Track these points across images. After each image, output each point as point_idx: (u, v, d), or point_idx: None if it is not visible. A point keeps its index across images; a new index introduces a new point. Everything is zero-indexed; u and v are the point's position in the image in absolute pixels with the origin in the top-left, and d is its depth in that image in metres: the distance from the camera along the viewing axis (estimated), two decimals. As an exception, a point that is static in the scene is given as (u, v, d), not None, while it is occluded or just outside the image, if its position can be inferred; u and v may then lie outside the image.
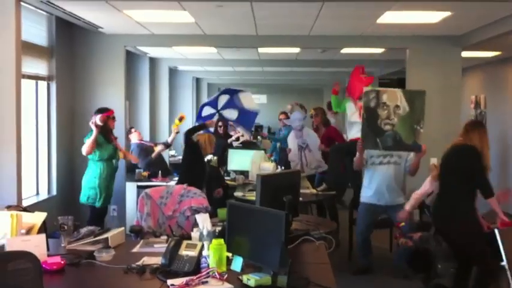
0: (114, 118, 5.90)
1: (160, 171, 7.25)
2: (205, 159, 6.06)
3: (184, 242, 2.91)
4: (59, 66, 6.53)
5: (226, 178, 6.98)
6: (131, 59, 8.99)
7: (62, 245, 3.32)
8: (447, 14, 5.75)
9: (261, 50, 9.06)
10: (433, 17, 5.96)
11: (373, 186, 5.45)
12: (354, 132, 6.03)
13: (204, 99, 9.01)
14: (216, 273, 2.64)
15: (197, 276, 2.63)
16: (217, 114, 8.44)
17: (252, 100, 8.67)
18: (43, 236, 3.02)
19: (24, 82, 5.29)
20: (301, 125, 7.19)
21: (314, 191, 6.21)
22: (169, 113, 10.49)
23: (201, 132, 6.19)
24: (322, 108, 8.22)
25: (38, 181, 6.33)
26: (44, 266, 2.69)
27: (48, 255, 2.94)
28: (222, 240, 2.82)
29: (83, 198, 5.77)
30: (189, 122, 9.74)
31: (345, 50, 8.86)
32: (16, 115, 4.70)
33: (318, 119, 7.53)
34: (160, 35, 7.38)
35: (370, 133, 5.24)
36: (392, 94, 5.25)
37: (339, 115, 9.09)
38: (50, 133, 6.45)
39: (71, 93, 6.91)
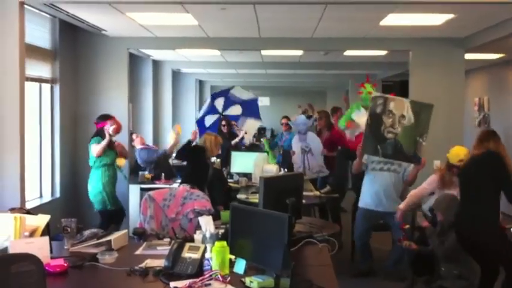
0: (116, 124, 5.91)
1: (163, 174, 7.25)
2: (210, 161, 6.08)
3: (187, 245, 2.91)
4: (63, 68, 6.55)
5: (229, 180, 6.98)
6: (134, 61, 9.01)
7: (65, 247, 3.33)
8: (450, 16, 5.74)
9: (264, 52, 9.06)
10: (436, 19, 5.96)
11: (371, 192, 5.43)
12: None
13: (206, 103, 8.99)
14: (219, 276, 2.64)
15: (200, 278, 2.62)
16: (218, 115, 8.46)
17: (244, 91, 8.69)
18: (46, 238, 3.03)
19: (28, 85, 5.31)
20: (305, 129, 7.22)
21: (317, 193, 6.21)
22: (172, 115, 10.52)
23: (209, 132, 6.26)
24: (327, 111, 8.21)
25: (42, 183, 6.35)
26: (47, 268, 2.69)
27: (52, 258, 2.95)
28: (225, 243, 2.82)
29: (96, 205, 5.81)
30: (192, 128, 9.75)
31: (348, 53, 8.86)
32: (20, 117, 4.71)
33: (321, 122, 7.51)
34: (164, 38, 7.40)
35: (372, 139, 5.23)
36: (400, 103, 5.23)
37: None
38: (53, 135, 6.46)
39: (74, 96, 6.93)
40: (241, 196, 6.07)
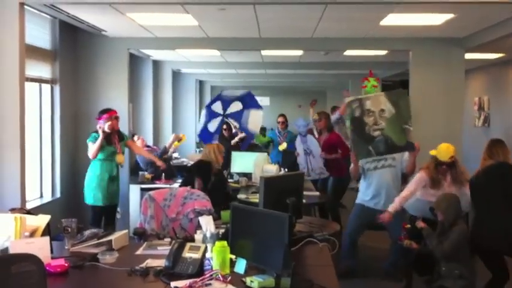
0: (117, 118, 5.90)
1: (164, 174, 7.26)
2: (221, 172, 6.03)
3: (188, 244, 2.91)
4: (63, 69, 6.55)
5: (229, 180, 6.99)
6: (134, 61, 9.01)
7: (66, 247, 3.33)
8: (450, 16, 5.75)
9: (264, 52, 9.06)
10: (436, 19, 5.96)
11: (370, 191, 5.39)
12: None
13: (207, 101, 8.98)
14: (220, 276, 2.64)
15: (201, 278, 2.63)
16: (225, 118, 8.45)
17: (258, 123, 8.63)
18: (47, 238, 3.03)
19: (28, 85, 5.31)
20: (305, 131, 7.24)
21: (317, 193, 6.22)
22: (172, 116, 10.53)
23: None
24: (327, 112, 8.21)
25: (42, 184, 6.35)
26: (47, 268, 2.69)
27: (52, 258, 2.95)
28: (225, 243, 2.82)
29: (87, 199, 5.82)
30: (192, 128, 9.77)
31: (348, 52, 8.87)
32: (20, 118, 4.72)
33: (321, 123, 7.46)
34: (164, 38, 7.40)
35: (361, 142, 5.20)
36: (375, 99, 5.23)
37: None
38: (53, 136, 6.47)
39: (74, 96, 6.93)
40: (241, 196, 6.07)
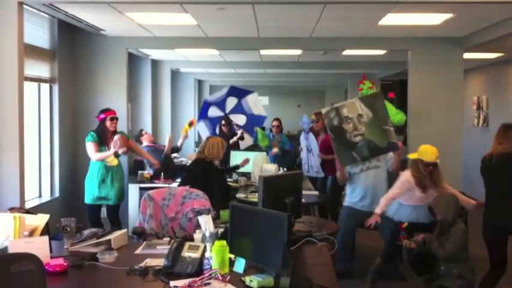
0: (113, 119, 5.90)
1: (163, 173, 7.24)
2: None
3: (187, 244, 2.91)
4: (61, 68, 6.55)
5: (228, 180, 6.98)
6: (133, 61, 9.01)
7: (65, 246, 3.33)
8: (449, 15, 5.75)
9: (263, 52, 9.07)
10: (435, 18, 5.96)
11: (356, 194, 5.37)
12: None
13: (221, 93, 8.90)
14: (219, 275, 2.64)
15: (200, 277, 2.63)
16: (224, 116, 8.45)
17: (259, 104, 8.63)
18: (46, 238, 3.03)
19: (27, 84, 5.31)
20: (307, 128, 7.25)
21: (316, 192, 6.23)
22: (171, 115, 10.52)
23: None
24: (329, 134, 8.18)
25: (41, 183, 6.35)
26: (47, 268, 2.69)
27: (51, 257, 2.95)
28: (224, 242, 2.82)
29: (86, 199, 5.88)
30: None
31: (347, 52, 8.87)
32: (19, 117, 4.71)
33: (318, 124, 7.35)
34: (163, 37, 7.40)
35: (344, 150, 5.21)
36: (351, 106, 5.26)
37: None
38: (52, 135, 6.46)
39: (73, 96, 6.93)
40: (240, 195, 6.07)
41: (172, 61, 10.56)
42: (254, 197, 5.63)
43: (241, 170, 7.04)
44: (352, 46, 7.84)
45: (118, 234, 3.40)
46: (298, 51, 8.96)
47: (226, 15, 5.80)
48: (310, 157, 7.17)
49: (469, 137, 9.84)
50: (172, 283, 2.62)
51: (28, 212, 3.39)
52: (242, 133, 8.29)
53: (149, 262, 2.99)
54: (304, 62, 10.93)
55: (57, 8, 5.41)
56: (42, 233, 3.12)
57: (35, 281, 2.22)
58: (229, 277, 2.66)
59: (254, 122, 8.63)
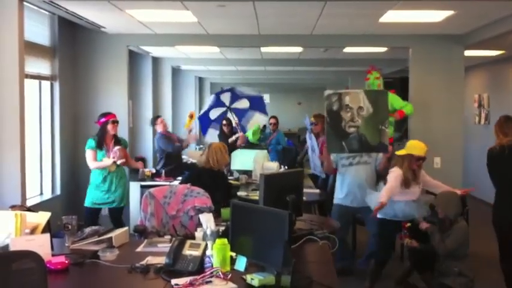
0: (114, 122, 5.86)
1: (164, 171, 7.25)
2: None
3: (188, 242, 2.92)
4: (62, 66, 6.55)
5: (229, 178, 6.98)
6: (134, 58, 9.00)
7: (66, 244, 3.33)
8: (450, 12, 5.74)
9: (263, 49, 9.05)
10: (436, 16, 5.95)
11: (345, 188, 5.35)
12: None
13: (207, 98, 8.99)
14: (220, 273, 2.65)
15: (201, 275, 2.63)
16: (228, 110, 8.44)
17: (251, 89, 8.67)
18: (47, 235, 3.03)
19: (27, 82, 5.30)
20: (310, 129, 7.25)
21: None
22: (172, 113, 10.51)
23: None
24: (323, 115, 8.18)
25: (42, 181, 6.35)
26: (48, 265, 2.69)
27: (53, 255, 2.95)
28: (225, 240, 2.82)
29: (87, 202, 5.87)
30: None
31: (348, 49, 8.86)
32: (20, 115, 4.71)
33: (317, 127, 7.14)
34: (163, 35, 7.39)
35: (335, 136, 5.16)
36: (355, 96, 5.20)
37: None
38: (53, 133, 6.46)
39: (74, 93, 6.93)
40: (241, 193, 6.07)
41: (173, 58, 10.55)
42: (255, 195, 5.63)
43: (242, 168, 7.04)
44: (353, 43, 7.83)
45: (119, 232, 3.40)
46: (298, 49, 8.95)
47: (227, 12, 5.79)
48: (314, 157, 7.18)
49: (470, 135, 9.83)
50: (173, 281, 2.62)
51: (29, 209, 3.39)
52: (242, 136, 8.29)
53: (150, 260, 2.99)
54: (304, 60, 10.91)
55: (58, 5, 5.40)
56: (44, 231, 3.13)
57: (36, 278, 2.23)
58: (230, 275, 2.66)
59: (256, 102, 8.64)
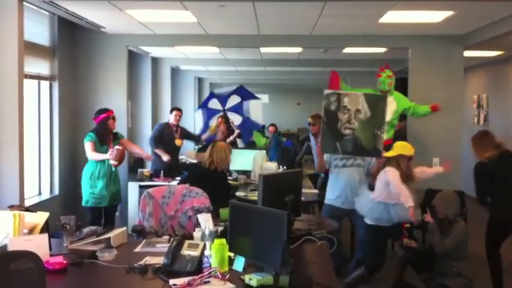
0: (114, 118, 5.90)
1: (162, 171, 7.24)
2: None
3: (187, 242, 2.91)
4: (61, 66, 6.54)
5: (228, 178, 6.98)
6: (133, 58, 9.00)
7: (64, 244, 3.33)
8: (450, 13, 5.74)
9: (263, 49, 9.06)
10: (435, 16, 5.95)
11: (337, 189, 5.30)
12: None
13: (229, 89, 8.92)
14: (218, 273, 2.64)
15: (199, 276, 2.62)
16: (222, 113, 8.45)
17: (260, 112, 8.64)
18: (45, 235, 3.02)
19: (27, 82, 5.30)
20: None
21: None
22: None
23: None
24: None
25: (40, 181, 6.35)
26: (46, 265, 2.69)
27: (51, 255, 2.95)
28: (224, 240, 2.82)
29: (83, 201, 5.81)
30: (191, 125, 9.76)
31: (347, 50, 8.86)
32: (19, 115, 4.71)
33: (315, 127, 7.11)
34: (163, 35, 7.39)
35: (330, 137, 5.13)
36: (354, 98, 5.16)
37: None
38: (52, 133, 6.46)
39: (73, 93, 6.93)
40: (240, 193, 6.06)
41: (172, 59, 10.55)
42: (254, 195, 5.63)
43: (241, 168, 7.03)
44: (352, 44, 7.84)
45: (117, 232, 3.40)
46: (298, 49, 8.96)
47: (227, 12, 5.79)
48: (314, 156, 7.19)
49: (469, 135, 9.78)
50: (171, 281, 2.62)
51: (28, 209, 3.38)
52: (239, 133, 8.28)
53: (149, 260, 2.99)
54: (304, 60, 10.91)
55: (57, 5, 5.40)
56: (42, 231, 3.12)
57: (35, 278, 2.22)
58: (228, 275, 2.65)
59: (248, 125, 8.63)
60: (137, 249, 3.29)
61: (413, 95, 7.21)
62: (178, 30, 7.20)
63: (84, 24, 6.43)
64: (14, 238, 2.97)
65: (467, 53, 7.52)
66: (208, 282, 2.60)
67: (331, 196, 5.36)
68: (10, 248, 2.82)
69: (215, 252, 2.77)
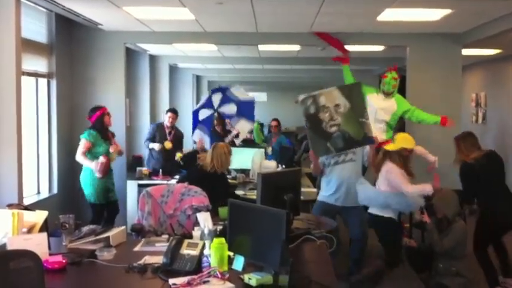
0: (109, 114, 5.93)
1: (161, 170, 7.24)
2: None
3: (186, 241, 2.91)
4: (59, 63, 6.52)
5: (227, 177, 6.97)
6: (131, 56, 8.97)
7: (64, 243, 3.32)
8: (448, 11, 5.74)
9: (261, 47, 9.04)
10: (433, 14, 5.95)
11: (330, 187, 5.25)
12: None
13: (205, 96, 8.97)
14: (218, 273, 2.64)
15: (198, 275, 2.62)
16: (215, 113, 8.42)
17: (244, 92, 8.65)
18: (44, 234, 3.02)
19: (24, 79, 5.28)
20: None
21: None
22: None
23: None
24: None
25: (39, 179, 6.33)
26: (45, 264, 2.69)
27: (50, 254, 2.94)
28: (223, 239, 2.82)
29: (86, 197, 5.88)
30: (189, 123, 9.74)
31: (345, 48, 8.84)
32: (17, 113, 4.69)
33: None
34: (161, 32, 7.37)
35: (318, 140, 5.09)
36: (329, 95, 5.13)
37: None
38: (50, 131, 6.44)
39: (71, 91, 6.91)
40: (239, 192, 6.06)
41: (170, 56, 10.53)
42: (253, 194, 5.63)
43: (239, 167, 7.02)
44: (350, 42, 7.81)
45: (117, 232, 3.39)
46: (296, 47, 8.94)
47: (225, 9, 5.78)
48: None
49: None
50: (171, 281, 2.61)
51: (26, 208, 3.38)
52: (238, 132, 8.26)
53: (148, 259, 2.99)
54: (302, 58, 10.90)
55: (55, 2, 5.38)
56: (41, 230, 3.11)
57: (34, 277, 2.22)
58: (228, 275, 2.66)
59: (245, 108, 8.60)
60: (136, 248, 3.29)
61: (411, 93, 7.22)
62: (176, 28, 7.17)
63: (81, 21, 6.41)
64: (13, 237, 2.96)
65: (466, 51, 7.53)
66: (208, 281, 2.60)
67: (325, 193, 5.31)
68: (9, 247, 2.82)
69: (214, 252, 2.77)
